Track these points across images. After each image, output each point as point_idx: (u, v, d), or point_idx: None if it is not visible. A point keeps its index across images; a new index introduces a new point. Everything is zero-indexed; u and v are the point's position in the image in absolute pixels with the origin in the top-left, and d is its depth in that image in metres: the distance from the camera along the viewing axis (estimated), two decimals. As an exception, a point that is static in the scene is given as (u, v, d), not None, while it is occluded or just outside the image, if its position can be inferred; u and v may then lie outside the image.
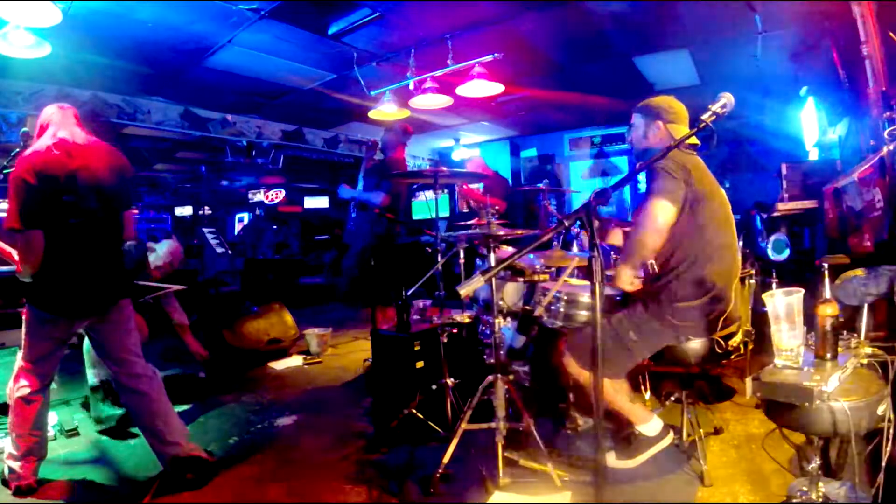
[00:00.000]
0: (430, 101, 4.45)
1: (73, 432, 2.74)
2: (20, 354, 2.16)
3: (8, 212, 1.99)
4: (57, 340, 2.17)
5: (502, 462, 2.06)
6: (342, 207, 12.55)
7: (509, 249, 3.16)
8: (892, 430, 1.48)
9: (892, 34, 2.57)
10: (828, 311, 1.61)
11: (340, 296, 3.67)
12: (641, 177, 2.16)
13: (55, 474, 2.30)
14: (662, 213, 1.91)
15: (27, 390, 2.11)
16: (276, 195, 12.94)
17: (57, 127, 2.15)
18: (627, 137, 2.29)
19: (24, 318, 2.15)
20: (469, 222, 2.58)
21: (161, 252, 3.21)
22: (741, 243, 2.18)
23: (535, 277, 2.94)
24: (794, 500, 1.67)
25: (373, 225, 3.89)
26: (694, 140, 2.04)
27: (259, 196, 13.03)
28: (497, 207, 5.09)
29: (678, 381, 2.29)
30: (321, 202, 13.41)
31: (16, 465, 2.13)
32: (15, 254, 2.13)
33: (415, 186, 7.38)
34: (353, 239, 4.07)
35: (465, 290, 1.42)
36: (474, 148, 8.51)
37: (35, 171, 2.00)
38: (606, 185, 1.37)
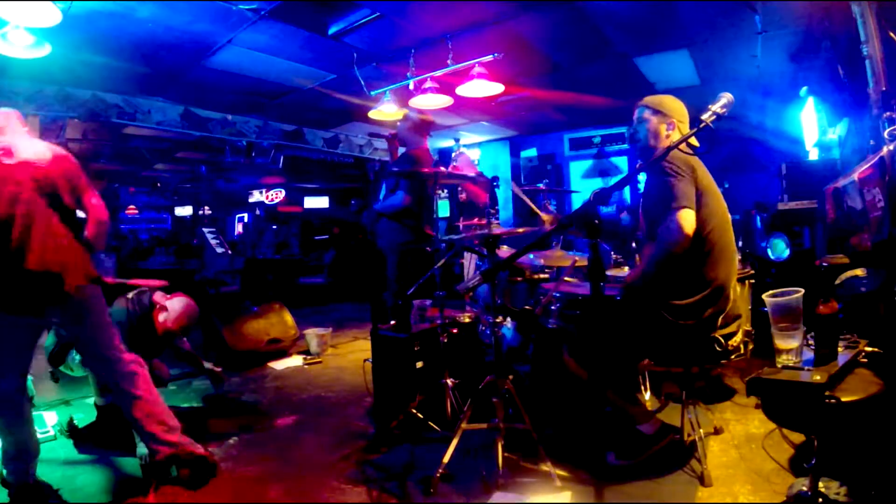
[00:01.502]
0: (430, 101, 4.45)
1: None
2: None
3: None
4: (14, 345, 2.11)
5: (502, 462, 2.06)
6: (345, 208, 12.59)
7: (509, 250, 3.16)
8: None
9: (892, 34, 2.57)
10: (828, 311, 1.62)
11: (390, 313, 3.47)
12: (641, 177, 2.16)
13: (55, 474, 2.30)
14: (688, 222, 1.90)
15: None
16: (276, 195, 12.96)
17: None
18: (633, 134, 2.23)
19: None
20: (469, 222, 2.58)
21: (174, 311, 2.85)
22: (741, 243, 2.18)
23: (535, 277, 2.94)
24: (794, 500, 1.67)
25: (396, 233, 3.53)
26: (693, 142, 2.04)
27: (259, 196, 13.04)
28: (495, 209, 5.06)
29: (678, 381, 2.29)
30: (321, 202, 13.43)
31: (9, 467, 2.12)
32: None
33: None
34: (386, 250, 3.65)
35: (465, 290, 1.42)
36: (474, 148, 8.51)
37: None
38: (606, 185, 1.37)
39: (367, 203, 3.70)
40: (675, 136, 2.10)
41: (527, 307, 2.97)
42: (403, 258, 3.54)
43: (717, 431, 2.45)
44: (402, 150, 3.78)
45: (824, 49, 3.86)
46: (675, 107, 2.17)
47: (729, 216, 2.11)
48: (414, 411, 2.55)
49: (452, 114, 6.38)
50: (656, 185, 2.04)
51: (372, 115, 4.86)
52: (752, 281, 2.98)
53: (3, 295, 2.06)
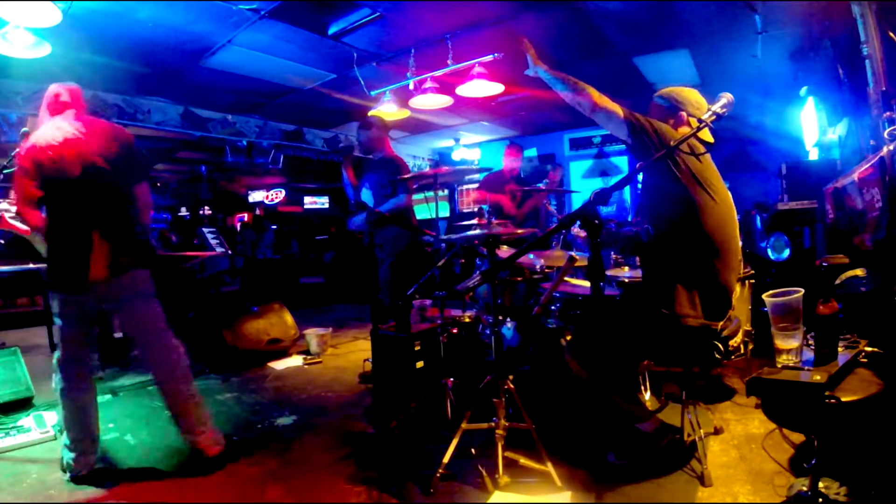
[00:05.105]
0: (430, 101, 4.45)
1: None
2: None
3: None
4: (74, 320, 2.23)
5: (502, 462, 2.06)
6: (343, 207, 12.60)
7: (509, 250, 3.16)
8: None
9: (892, 34, 2.57)
10: (828, 311, 1.62)
11: (387, 312, 3.47)
12: (642, 177, 2.15)
13: (55, 474, 2.30)
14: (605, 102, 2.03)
15: (63, 383, 2.22)
16: (276, 195, 12.95)
17: (56, 116, 2.28)
18: None
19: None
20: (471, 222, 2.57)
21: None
22: (741, 243, 2.18)
23: (535, 277, 2.94)
24: (794, 500, 1.68)
25: (394, 238, 3.57)
26: (707, 137, 2.03)
27: (259, 196, 13.03)
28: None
29: (678, 381, 2.29)
30: (321, 202, 13.43)
31: (70, 455, 2.23)
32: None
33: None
34: (383, 253, 3.65)
35: (465, 290, 1.42)
36: (474, 148, 8.50)
37: (32, 161, 2.17)
38: (606, 185, 1.36)
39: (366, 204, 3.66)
40: (685, 131, 2.08)
41: (527, 307, 2.97)
42: (400, 261, 3.55)
43: (717, 431, 2.45)
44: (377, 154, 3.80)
45: (824, 49, 3.86)
46: (689, 97, 2.14)
47: (734, 214, 2.10)
48: (414, 411, 2.55)
49: (452, 114, 6.38)
50: (653, 183, 2.03)
51: (372, 115, 4.86)
52: (752, 281, 2.98)
53: (63, 275, 2.23)
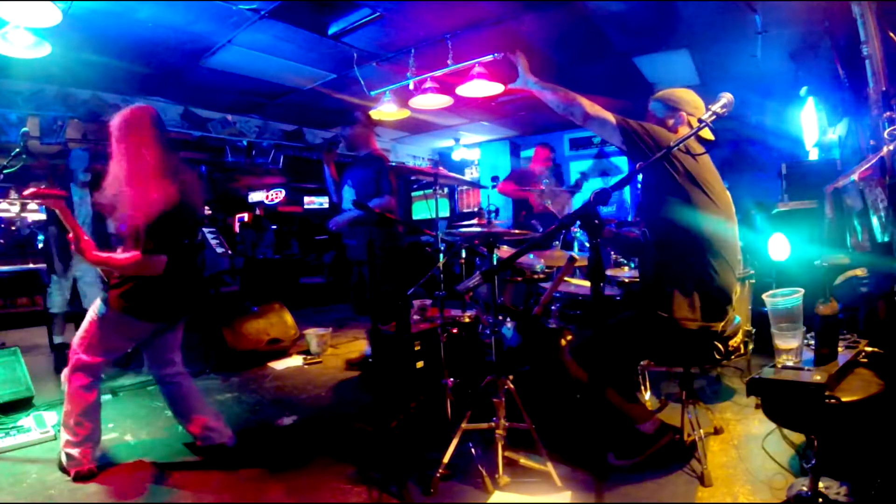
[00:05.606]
0: (430, 101, 4.45)
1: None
2: (80, 349, 2.25)
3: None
4: (134, 341, 2.37)
5: (502, 462, 2.06)
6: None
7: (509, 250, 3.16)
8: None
9: (892, 34, 2.57)
10: (828, 311, 1.62)
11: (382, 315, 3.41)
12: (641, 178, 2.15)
13: (55, 474, 2.30)
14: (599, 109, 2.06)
15: (87, 380, 2.24)
16: (276, 195, 12.93)
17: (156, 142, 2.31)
18: None
19: (97, 319, 2.23)
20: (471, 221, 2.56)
21: None
22: (741, 243, 2.18)
23: (535, 277, 2.94)
24: (794, 500, 1.68)
25: (380, 236, 3.43)
26: (708, 136, 2.03)
27: (259, 196, 13.02)
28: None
29: (678, 381, 2.29)
30: (321, 202, 13.41)
31: (75, 452, 2.23)
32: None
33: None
34: (364, 254, 3.52)
35: (465, 290, 1.42)
36: (474, 148, 8.49)
37: (171, 203, 2.14)
38: (606, 185, 1.36)
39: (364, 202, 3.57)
40: (685, 131, 2.08)
41: (527, 307, 2.97)
42: (388, 259, 3.52)
43: (717, 431, 2.45)
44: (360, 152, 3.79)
45: (824, 49, 3.86)
46: (687, 97, 2.14)
47: (734, 215, 2.10)
48: (414, 411, 2.55)
49: (452, 114, 6.37)
50: (651, 185, 2.04)
51: (372, 114, 4.86)
52: (752, 281, 2.98)
53: (161, 307, 2.28)
